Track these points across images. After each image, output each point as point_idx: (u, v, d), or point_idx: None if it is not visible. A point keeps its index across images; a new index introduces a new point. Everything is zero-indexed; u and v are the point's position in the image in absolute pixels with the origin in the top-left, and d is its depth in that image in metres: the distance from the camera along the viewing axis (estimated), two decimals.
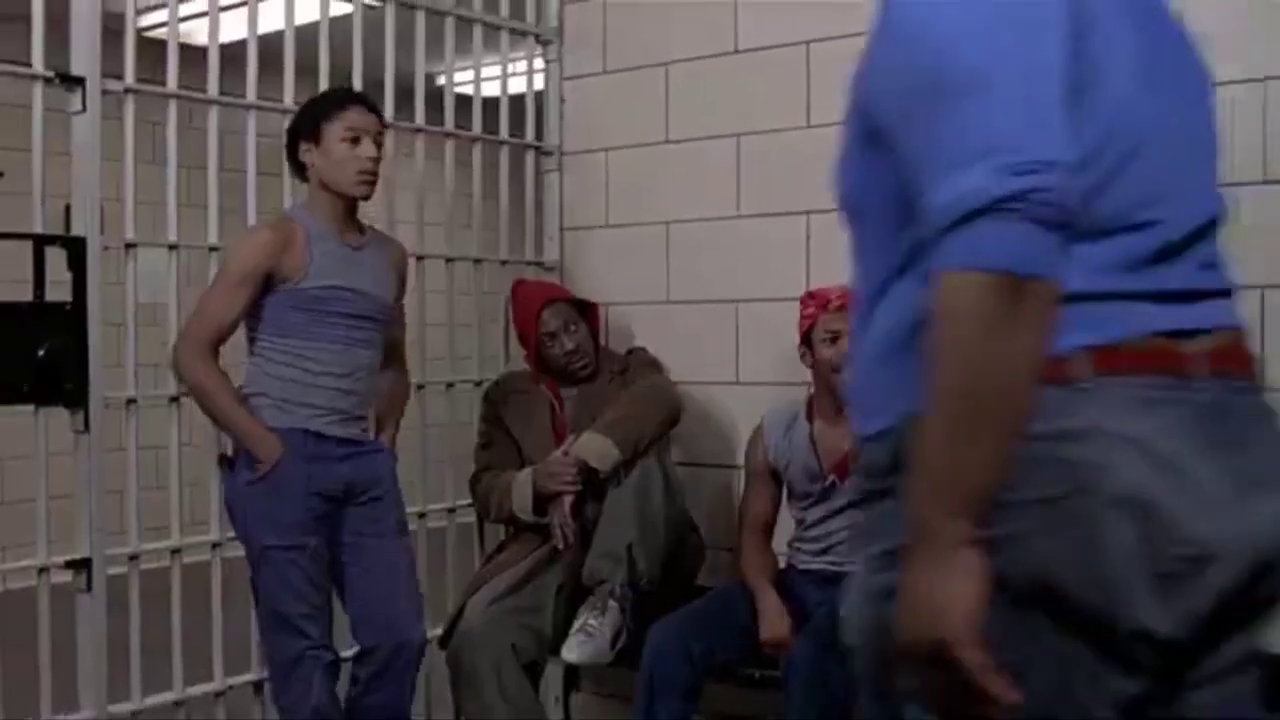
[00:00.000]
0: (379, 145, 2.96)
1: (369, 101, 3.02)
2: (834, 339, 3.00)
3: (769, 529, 3.22)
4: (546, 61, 3.99)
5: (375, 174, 2.95)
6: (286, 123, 3.14)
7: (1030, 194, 1.13)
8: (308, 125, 2.95)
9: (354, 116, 2.92)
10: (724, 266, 3.61)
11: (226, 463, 2.92)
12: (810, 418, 3.16)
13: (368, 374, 3.04)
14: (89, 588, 2.81)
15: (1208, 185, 1.38)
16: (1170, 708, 1.27)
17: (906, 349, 1.25)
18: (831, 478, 3.08)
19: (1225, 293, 1.36)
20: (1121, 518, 1.19)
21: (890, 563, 1.25)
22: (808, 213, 3.40)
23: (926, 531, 1.19)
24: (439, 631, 3.23)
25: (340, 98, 3.00)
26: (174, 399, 2.99)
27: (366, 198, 2.99)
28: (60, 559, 2.80)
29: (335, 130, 2.90)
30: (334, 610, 2.98)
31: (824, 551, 3.11)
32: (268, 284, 2.87)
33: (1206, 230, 1.34)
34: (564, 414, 3.37)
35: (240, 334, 2.92)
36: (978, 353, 1.15)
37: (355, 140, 2.90)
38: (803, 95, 3.49)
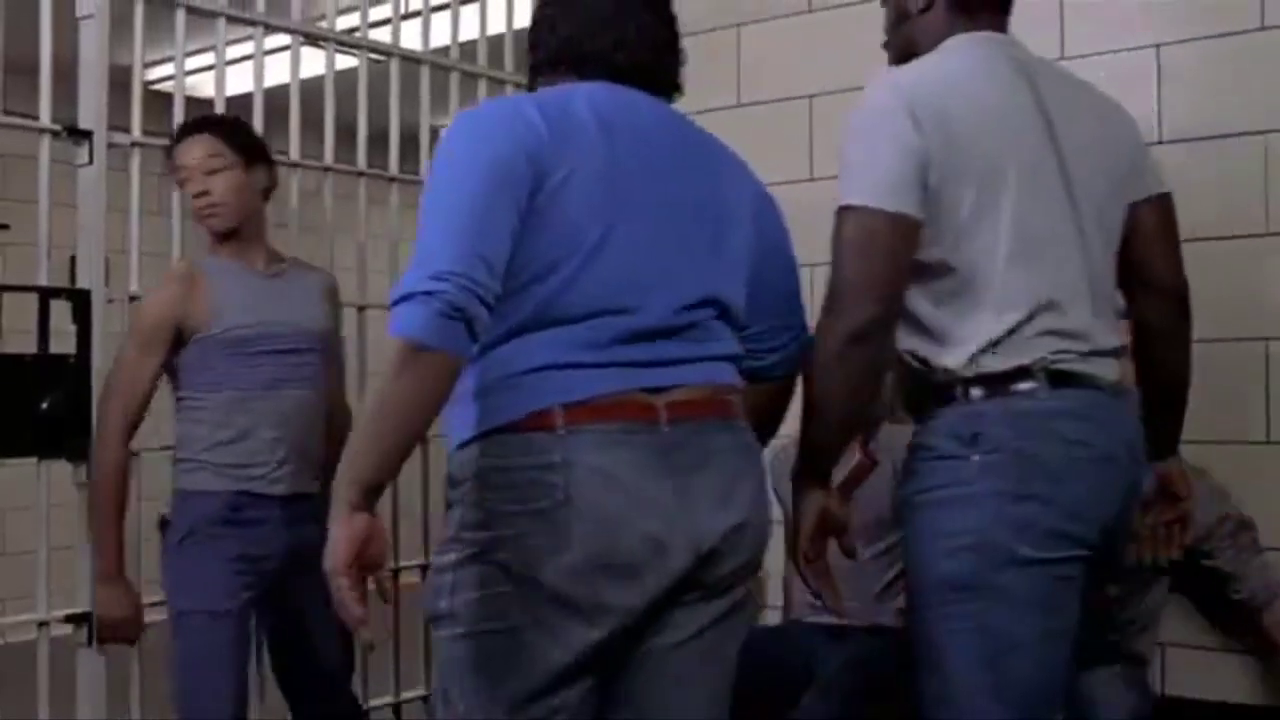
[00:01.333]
0: (211, 172, 2.76)
1: (197, 127, 2.84)
2: None
3: None
4: None
5: (217, 204, 2.77)
6: (294, 176, 3.15)
7: (434, 293, 1.62)
8: (171, 171, 2.85)
9: (178, 157, 2.80)
10: None
11: (163, 524, 2.81)
12: None
13: (307, 416, 2.83)
14: (90, 642, 2.79)
15: (697, 275, 1.84)
16: (635, 649, 1.80)
17: (462, 393, 1.75)
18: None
19: (704, 358, 1.83)
20: (587, 525, 1.69)
21: (453, 548, 1.76)
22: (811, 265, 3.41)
23: (340, 497, 1.65)
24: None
25: (173, 140, 2.85)
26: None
27: (227, 230, 2.80)
28: (60, 613, 2.78)
29: (174, 175, 2.84)
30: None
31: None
32: (180, 337, 2.74)
33: (690, 309, 1.81)
34: None
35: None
36: (385, 388, 1.67)
37: (184, 182, 2.79)
38: (805, 149, 3.51)
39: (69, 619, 2.79)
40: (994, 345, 1.95)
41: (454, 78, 3.70)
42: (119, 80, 2.89)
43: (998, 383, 1.95)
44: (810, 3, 3.61)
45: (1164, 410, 2.21)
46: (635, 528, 1.71)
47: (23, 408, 2.68)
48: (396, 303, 1.66)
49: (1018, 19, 3.15)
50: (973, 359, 1.96)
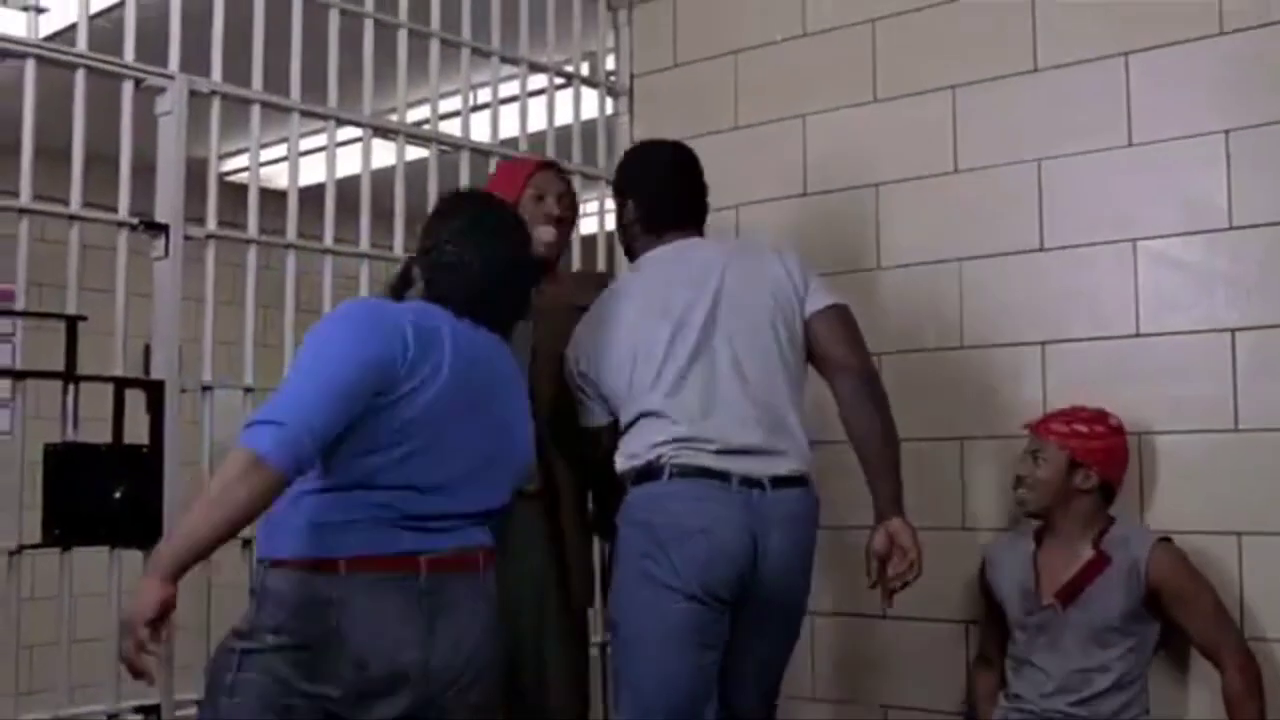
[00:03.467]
0: None
1: None
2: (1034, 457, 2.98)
3: (991, 663, 3.14)
4: None
5: None
6: (363, 265, 3.19)
7: (286, 425, 2.09)
8: None
9: None
10: None
11: None
12: (1039, 539, 3.03)
13: None
14: None
15: (493, 485, 2.41)
16: None
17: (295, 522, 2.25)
18: (1051, 603, 2.90)
19: (468, 533, 2.35)
20: (346, 649, 2.19)
21: (244, 641, 2.23)
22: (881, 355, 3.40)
23: (160, 566, 2.06)
24: None
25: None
26: (246, 542, 2.98)
27: None
28: (130, 704, 2.79)
29: None
30: None
31: (1049, 698, 2.89)
32: None
33: (481, 512, 2.38)
34: None
35: None
36: (222, 488, 2.07)
37: None
38: (873, 236, 3.52)
39: (139, 710, 2.80)
40: (635, 455, 2.75)
41: None
42: (195, 171, 2.96)
43: (640, 476, 2.73)
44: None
45: (872, 475, 2.76)
46: (384, 655, 2.22)
47: (97, 497, 2.72)
48: (257, 423, 2.10)
49: (1084, 108, 3.18)
50: (624, 462, 2.78)
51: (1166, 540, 2.90)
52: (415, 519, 2.27)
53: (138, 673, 2.07)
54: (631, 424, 2.80)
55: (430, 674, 2.27)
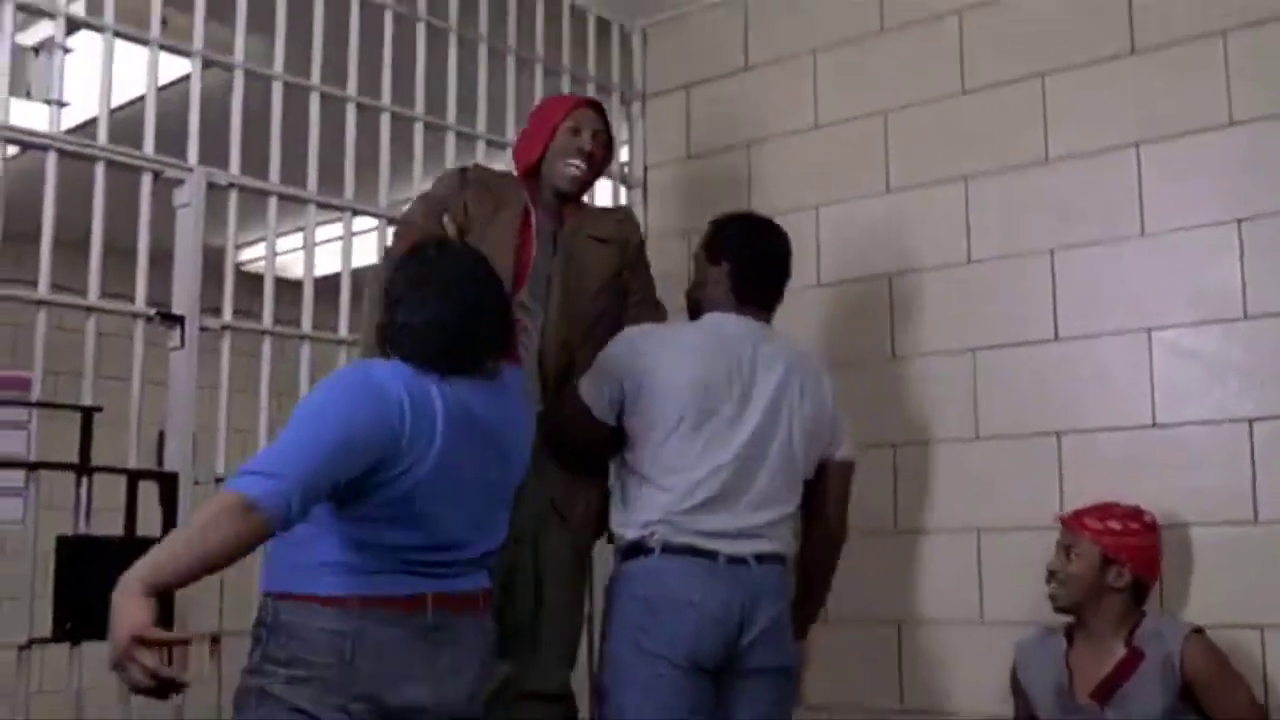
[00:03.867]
0: None
1: None
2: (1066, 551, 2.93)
3: None
4: None
5: None
6: None
7: (279, 477, 2.10)
8: None
9: None
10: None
11: None
12: (1070, 637, 2.96)
13: None
14: None
15: (494, 524, 2.48)
16: None
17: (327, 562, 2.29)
18: (1088, 702, 2.83)
19: (471, 578, 2.42)
20: (358, 680, 2.22)
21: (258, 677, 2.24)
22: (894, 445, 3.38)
23: (132, 583, 2.04)
24: None
25: None
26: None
27: None
28: None
29: None
30: None
31: None
32: None
33: (483, 554, 2.45)
34: (534, 230, 3.04)
35: None
36: (206, 523, 2.07)
37: None
38: (887, 327, 3.52)
39: None
40: (629, 525, 2.88)
41: None
42: (212, 260, 2.98)
43: (632, 550, 2.86)
44: None
45: (808, 604, 3.04)
46: (398, 689, 2.27)
47: (108, 590, 2.68)
48: (247, 473, 2.11)
49: (1096, 198, 3.20)
50: (618, 526, 2.93)
51: (1199, 631, 2.83)
52: (424, 565, 2.34)
53: (163, 688, 2.03)
54: (640, 480, 2.90)
55: (438, 705, 2.32)
